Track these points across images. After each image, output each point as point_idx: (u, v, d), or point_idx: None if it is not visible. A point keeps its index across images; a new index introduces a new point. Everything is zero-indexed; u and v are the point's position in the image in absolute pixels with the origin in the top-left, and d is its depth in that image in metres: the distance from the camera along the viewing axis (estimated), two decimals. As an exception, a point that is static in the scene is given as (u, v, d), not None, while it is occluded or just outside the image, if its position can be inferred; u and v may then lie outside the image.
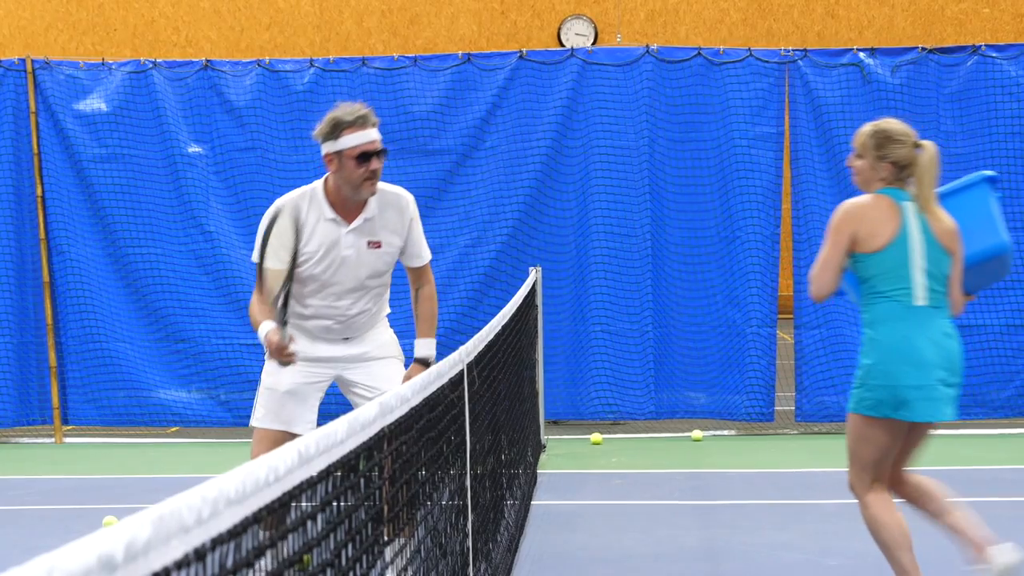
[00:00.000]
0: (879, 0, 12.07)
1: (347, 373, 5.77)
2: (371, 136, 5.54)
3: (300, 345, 5.60)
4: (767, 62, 10.83)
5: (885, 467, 5.21)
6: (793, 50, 10.91)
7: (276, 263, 5.47)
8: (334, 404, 6.07)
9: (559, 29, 12.14)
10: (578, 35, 11.99)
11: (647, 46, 11.04)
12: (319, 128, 5.56)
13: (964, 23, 12.05)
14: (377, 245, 5.69)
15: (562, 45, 11.77)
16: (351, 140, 5.49)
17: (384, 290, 5.87)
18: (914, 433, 5.25)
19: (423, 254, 5.90)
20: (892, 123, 5.28)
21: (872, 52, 10.87)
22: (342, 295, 5.68)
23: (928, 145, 5.22)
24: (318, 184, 5.68)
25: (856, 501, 5.30)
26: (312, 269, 5.56)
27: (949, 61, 10.80)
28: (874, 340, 5.11)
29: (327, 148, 5.55)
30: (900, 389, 5.03)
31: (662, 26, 12.12)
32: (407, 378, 5.72)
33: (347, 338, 5.75)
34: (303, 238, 5.52)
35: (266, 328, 5.37)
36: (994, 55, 10.80)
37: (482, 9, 12.13)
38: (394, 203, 5.76)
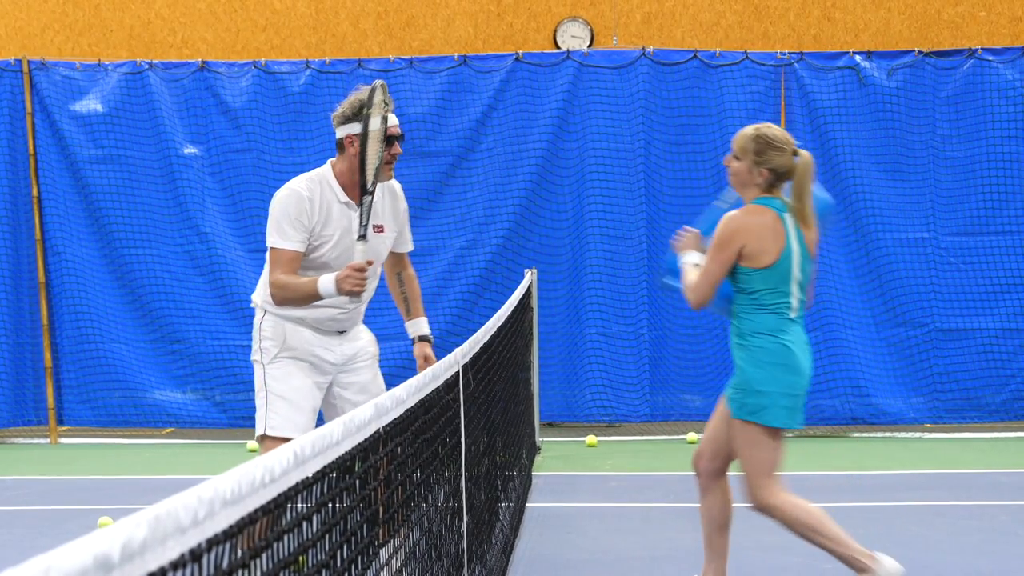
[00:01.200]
0: (875, 3, 12.07)
1: (339, 376, 5.77)
2: (394, 120, 5.54)
3: (302, 343, 5.60)
4: (763, 65, 10.84)
5: (779, 467, 5.27)
6: (789, 53, 10.92)
7: (297, 245, 5.46)
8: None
9: (555, 31, 12.13)
10: (574, 37, 11.98)
11: (643, 48, 11.04)
12: (340, 110, 5.52)
13: (960, 26, 12.05)
14: (380, 230, 5.72)
15: (558, 47, 11.76)
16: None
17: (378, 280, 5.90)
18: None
19: (411, 240, 6.02)
20: (773, 129, 5.35)
21: (868, 55, 10.88)
22: None
23: (804, 154, 5.30)
24: (325, 169, 5.65)
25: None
26: (329, 254, 5.54)
27: (945, 64, 10.81)
28: (758, 348, 5.20)
29: (350, 130, 5.51)
30: (778, 396, 5.19)
31: (658, 29, 12.12)
32: (423, 356, 5.90)
33: (342, 331, 5.74)
34: (320, 220, 5.51)
35: (329, 276, 5.28)
36: (990, 58, 10.81)
37: (478, 11, 12.13)
38: (392, 189, 5.80)
